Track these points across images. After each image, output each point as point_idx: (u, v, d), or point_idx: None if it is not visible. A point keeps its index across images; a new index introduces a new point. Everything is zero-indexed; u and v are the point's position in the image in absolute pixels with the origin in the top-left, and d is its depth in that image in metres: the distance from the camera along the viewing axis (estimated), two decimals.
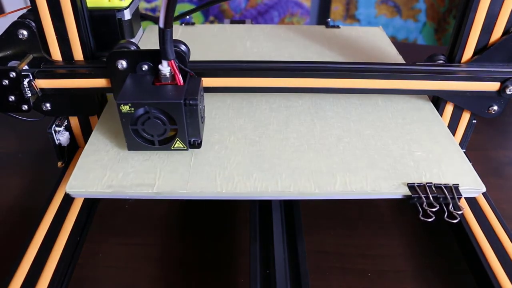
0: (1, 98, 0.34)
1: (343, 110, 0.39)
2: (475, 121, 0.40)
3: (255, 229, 0.33)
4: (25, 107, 0.35)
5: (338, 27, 0.55)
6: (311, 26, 0.69)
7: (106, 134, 0.36)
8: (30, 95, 0.34)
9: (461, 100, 0.38)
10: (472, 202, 0.37)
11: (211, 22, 1.19)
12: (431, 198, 0.30)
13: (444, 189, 0.31)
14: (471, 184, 0.32)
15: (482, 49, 0.37)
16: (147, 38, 0.50)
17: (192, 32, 0.54)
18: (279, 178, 0.32)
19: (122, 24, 0.38)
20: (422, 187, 0.31)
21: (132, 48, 0.35)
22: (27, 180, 0.45)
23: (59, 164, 0.40)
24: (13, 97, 0.34)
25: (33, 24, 0.34)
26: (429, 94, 0.41)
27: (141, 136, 0.33)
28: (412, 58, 0.42)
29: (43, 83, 0.35)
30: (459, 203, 0.30)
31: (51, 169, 0.41)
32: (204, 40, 0.51)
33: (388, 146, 0.35)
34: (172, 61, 0.31)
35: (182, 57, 0.33)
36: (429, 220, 0.29)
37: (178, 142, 0.33)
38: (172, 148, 0.33)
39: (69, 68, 0.35)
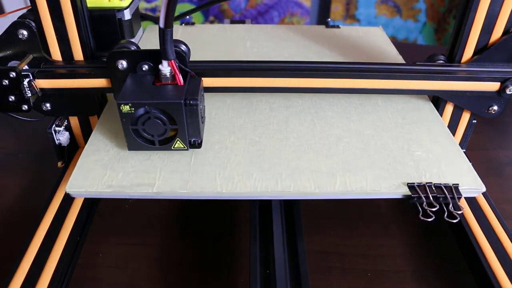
0: (1, 98, 0.34)
1: (343, 110, 0.39)
2: (475, 121, 0.40)
3: (255, 229, 0.33)
4: (25, 107, 0.35)
5: (338, 27, 0.55)
6: (311, 26, 0.69)
7: (106, 134, 0.36)
8: (30, 95, 0.34)
9: (461, 100, 0.38)
10: (472, 202, 0.37)
11: (211, 22, 1.19)
12: (431, 198, 0.30)
13: (444, 189, 0.31)
14: (471, 184, 0.32)
15: (482, 49, 0.37)
16: (147, 38, 0.50)
17: (192, 32, 0.54)
18: (279, 178, 0.32)
19: (122, 24, 0.38)
20: (422, 187, 0.31)
21: (132, 48, 0.35)
22: (27, 180, 0.45)
23: (59, 164, 0.40)
24: (13, 97, 0.34)
25: (33, 24, 0.34)
26: (429, 94, 0.41)
27: (142, 136, 0.33)
28: (412, 58, 0.42)
29: (43, 83, 0.35)
30: (459, 203, 0.30)
31: (51, 169, 0.41)
32: (204, 40, 0.51)
33: (388, 146, 0.35)
34: (173, 61, 0.31)
35: (182, 57, 0.33)
36: (429, 220, 0.29)
37: (178, 142, 0.33)
38: (172, 148, 0.33)
39: (69, 68, 0.35)
